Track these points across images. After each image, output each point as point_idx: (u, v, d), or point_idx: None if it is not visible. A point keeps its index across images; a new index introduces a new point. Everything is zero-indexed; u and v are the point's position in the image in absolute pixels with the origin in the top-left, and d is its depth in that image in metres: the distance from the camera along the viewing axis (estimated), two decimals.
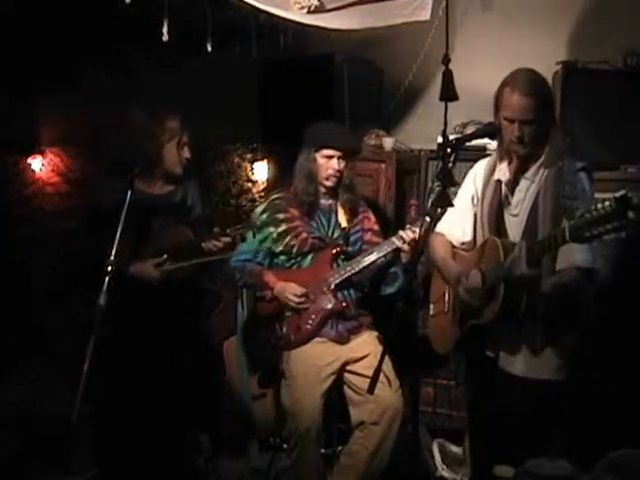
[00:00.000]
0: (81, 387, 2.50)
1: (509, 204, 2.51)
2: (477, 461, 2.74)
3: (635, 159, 3.25)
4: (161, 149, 3.12)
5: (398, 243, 3.02)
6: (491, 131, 2.49)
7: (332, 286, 3.11)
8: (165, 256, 3.07)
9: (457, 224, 2.69)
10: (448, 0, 3.38)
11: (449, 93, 3.33)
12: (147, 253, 3.09)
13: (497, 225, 2.52)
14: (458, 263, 2.62)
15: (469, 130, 3.43)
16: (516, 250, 2.30)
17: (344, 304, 3.11)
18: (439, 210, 2.57)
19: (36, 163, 5.22)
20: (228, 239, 3.06)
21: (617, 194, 1.91)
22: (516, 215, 2.48)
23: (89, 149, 4.93)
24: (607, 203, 1.94)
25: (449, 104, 3.42)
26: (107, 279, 2.59)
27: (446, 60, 3.30)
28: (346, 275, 3.10)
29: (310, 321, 3.09)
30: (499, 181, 2.55)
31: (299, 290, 3.08)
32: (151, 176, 3.15)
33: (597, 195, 2.51)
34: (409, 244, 2.99)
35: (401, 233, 3.03)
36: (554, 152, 2.44)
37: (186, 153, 3.17)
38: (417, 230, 2.98)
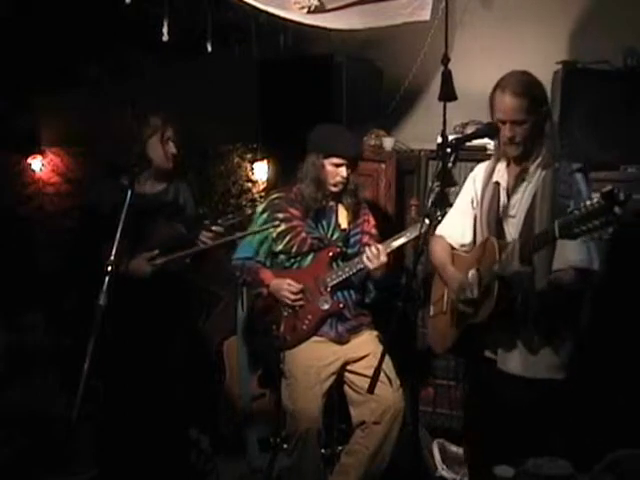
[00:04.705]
0: (81, 387, 2.50)
1: (507, 206, 2.52)
2: (475, 461, 2.74)
3: (635, 159, 3.25)
4: (145, 145, 3.09)
5: (364, 260, 3.04)
6: (491, 131, 2.50)
7: (329, 287, 3.11)
8: (157, 251, 3.03)
9: (457, 226, 2.71)
10: (448, 0, 3.39)
11: (448, 93, 3.35)
12: (140, 252, 3.07)
13: (496, 227, 2.53)
14: (457, 266, 2.63)
15: (469, 130, 3.43)
16: (509, 247, 2.32)
17: (341, 305, 3.11)
18: (439, 211, 2.59)
19: (36, 163, 5.23)
20: (220, 229, 3.04)
21: (604, 190, 1.94)
22: (514, 216, 2.49)
23: (89, 149, 4.94)
24: (595, 200, 1.97)
25: (449, 104, 3.44)
26: (107, 279, 2.59)
27: (445, 60, 3.31)
28: (343, 276, 3.10)
29: (306, 321, 3.09)
30: (497, 183, 2.57)
31: (295, 286, 3.08)
32: (141, 175, 3.11)
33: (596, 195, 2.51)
34: (373, 261, 3.01)
35: (366, 250, 3.05)
36: (551, 153, 2.45)
37: (172, 148, 3.11)
38: (381, 248, 3.02)
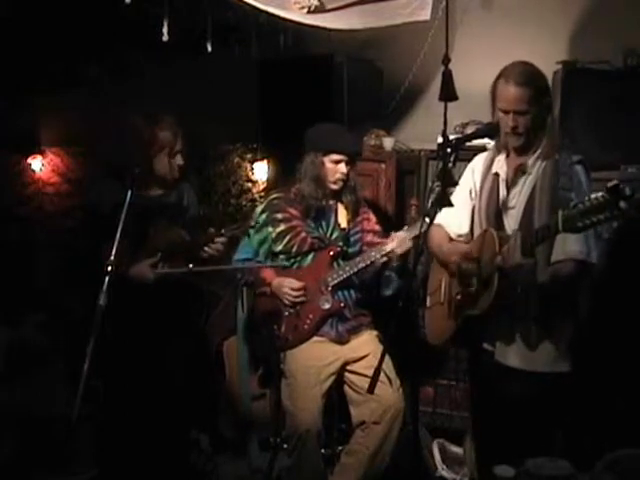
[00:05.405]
0: (81, 387, 2.50)
1: (506, 197, 2.51)
2: (481, 457, 2.73)
3: (635, 159, 3.25)
4: (152, 158, 3.07)
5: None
6: (491, 131, 2.50)
7: (330, 287, 3.11)
8: (159, 255, 3.02)
9: (454, 217, 2.69)
10: (448, 0, 3.39)
11: (449, 93, 3.34)
12: (141, 254, 3.06)
13: (495, 218, 2.53)
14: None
15: (469, 130, 3.43)
16: (511, 240, 2.32)
17: (342, 304, 3.11)
18: (439, 211, 2.58)
19: (36, 163, 5.23)
20: (224, 239, 3.03)
21: (609, 184, 1.94)
22: (513, 207, 2.49)
23: (89, 149, 4.94)
24: (600, 194, 1.97)
25: (449, 104, 3.43)
26: (107, 279, 2.58)
27: (446, 60, 3.30)
28: (344, 276, 3.11)
29: (308, 321, 3.09)
30: (497, 174, 2.56)
31: (296, 284, 3.09)
32: (145, 179, 3.09)
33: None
34: (402, 246, 3.03)
35: (393, 236, 3.08)
36: (551, 145, 2.45)
37: (179, 160, 3.09)
38: (391, 243, 3.06)
